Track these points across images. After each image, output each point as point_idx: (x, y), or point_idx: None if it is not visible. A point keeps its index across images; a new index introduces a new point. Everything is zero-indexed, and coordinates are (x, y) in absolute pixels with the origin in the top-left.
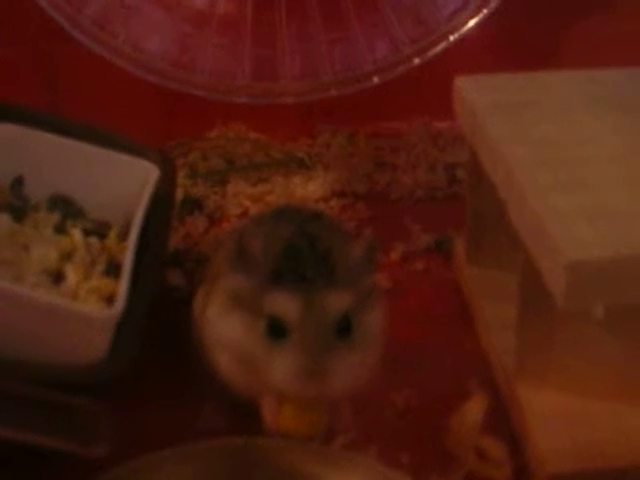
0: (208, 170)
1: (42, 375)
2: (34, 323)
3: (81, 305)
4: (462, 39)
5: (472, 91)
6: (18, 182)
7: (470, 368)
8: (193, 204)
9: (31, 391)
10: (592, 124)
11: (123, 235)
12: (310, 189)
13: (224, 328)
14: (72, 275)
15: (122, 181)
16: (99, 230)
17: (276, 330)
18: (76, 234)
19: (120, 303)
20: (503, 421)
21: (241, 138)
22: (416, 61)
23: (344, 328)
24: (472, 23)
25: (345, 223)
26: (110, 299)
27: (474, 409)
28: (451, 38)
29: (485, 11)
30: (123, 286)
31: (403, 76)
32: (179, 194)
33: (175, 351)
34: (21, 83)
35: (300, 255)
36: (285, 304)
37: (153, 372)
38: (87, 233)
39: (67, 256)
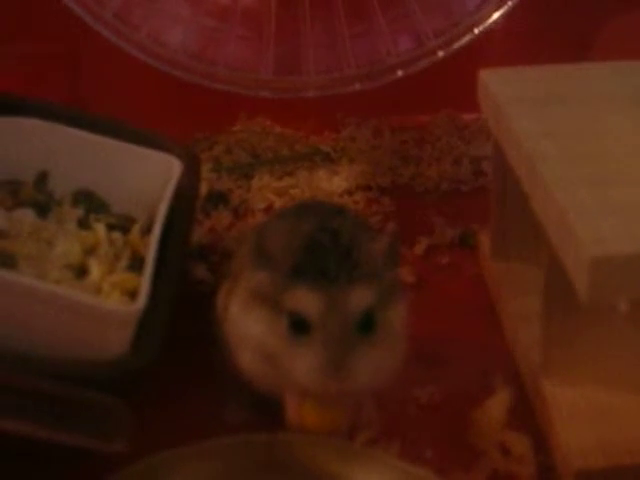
0: (233, 164)
1: (63, 370)
2: (55, 318)
3: (102, 300)
4: (491, 31)
5: (497, 84)
6: (42, 177)
7: (495, 363)
8: (218, 198)
9: (50, 387)
10: (618, 118)
11: (147, 230)
12: (335, 183)
13: (246, 325)
14: (96, 270)
15: (146, 176)
16: (123, 225)
17: (298, 326)
18: (99, 229)
19: (142, 298)
20: (529, 417)
21: (266, 132)
22: (440, 54)
23: (366, 324)
24: (496, 15)
25: (369, 217)
26: (133, 294)
27: (498, 405)
28: (475, 31)
29: (510, 3)
30: (145, 281)
31: (429, 68)
32: (204, 188)
33: (199, 347)
34: (46, 78)
35: (322, 251)
36: (306, 300)
37: (176, 368)
38: (111, 228)
39: (90, 251)
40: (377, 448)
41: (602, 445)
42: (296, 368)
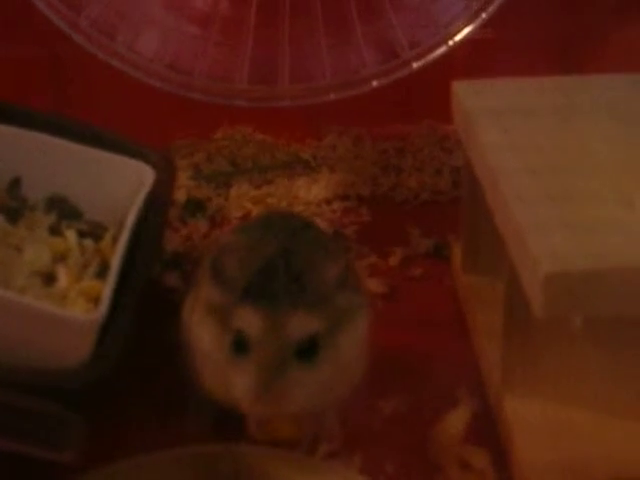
0: (212, 172)
1: (20, 378)
2: (13, 325)
3: (59, 308)
4: (475, 41)
5: (468, 96)
6: (15, 183)
7: (462, 377)
8: (195, 206)
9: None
10: (587, 132)
11: (119, 237)
12: (313, 192)
13: (199, 337)
14: (63, 277)
15: (117, 183)
16: (94, 232)
17: (240, 345)
18: (70, 236)
19: (103, 306)
20: (491, 432)
21: (247, 139)
22: (415, 65)
23: (307, 350)
24: (470, 28)
25: (345, 227)
26: (99, 301)
27: (457, 419)
28: (450, 43)
29: (484, 15)
30: (107, 289)
31: (412, 79)
32: (182, 195)
33: (165, 355)
34: (29, 83)
35: (272, 273)
36: (249, 319)
37: (139, 376)
38: (82, 235)
39: (60, 258)
40: (338, 461)
41: (559, 462)
42: (233, 385)
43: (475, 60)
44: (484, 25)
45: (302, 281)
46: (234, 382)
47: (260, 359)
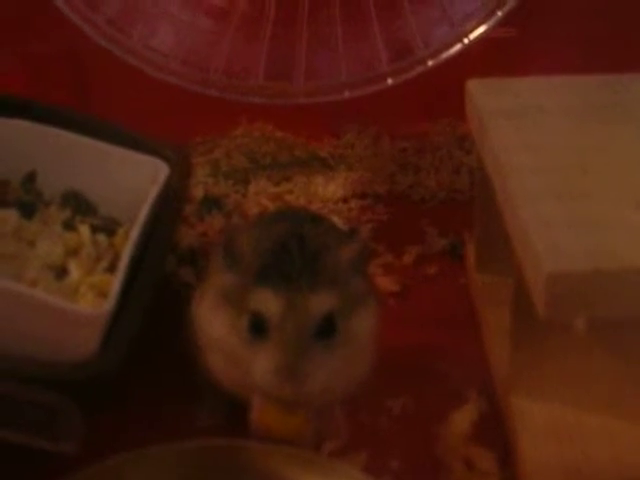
0: (231, 168)
1: (28, 370)
2: (22, 318)
3: (67, 301)
4: (495, 40)
5: (481, 95)
6: (30, 178)
7: (472, 376)
8: (212, 202)
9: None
10: (600, 133)
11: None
12: (330, 189)
13: (212, 325)
14: (75, 271)
15: (132, 179)
16: (108, 227)
17: (257, 328)
18: (84, 230)
19: (111, 300)
20: (497, 432)
21: (266, 137)
22: (430, 63)
23: (326, 330)
24: (486, 26)
25: (361, 225)
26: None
27: (463, 418)
28: (465, 41)
29: (500, 14)
30: (115, 284)
31: (431, 76)
32: (200, 192)
33: (176, 350)
34: (48, 79)
35: (287, 254)
36: (267, 301)
37: (152, 370)
38: (96, 230)
39: (73, 252)
40: (343, 459)
41: (563, 464)
42: (253, 369)
43: (497, 59)
44: (506, 23)
45: (317, 262)
46: (253, 366)
47: (282, 341)
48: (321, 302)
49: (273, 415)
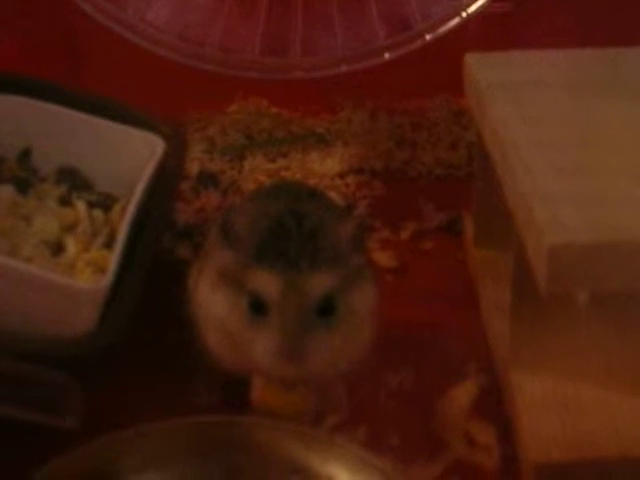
0: (226, 145)
1: (26, 346)
2: (19, 294)
3: (64, 277)
4: (493, 14)
5: (479, 69)
6: (25, 154)
7: (470, 352)
8: (208, 178)
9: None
10: (599, 106)
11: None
12: (327, 165)
13: (211, 304)
14: (72, 246)
15: (128, 154)
16: (104, 203)
17: (257, 307)
18: (80, 206)
19: (109, 276)
20: (497, 407)
21: (261, 113)
22: (427, 37)
23: (326, 309)
24: (484, 0)
25: (358, 200)
26: (106, 271)
27: (463, 394)
28: (464, 15)
29: None
30: (114, 259)
31: (428, 52)
32: (195, 168)
33: (173, 326)
34: (43, 55)
35: (286, 233)
36: (266, 282)
37: (148, 345)
38: (92, 205)
39: (69, 228)
40: (342, 434)
41: (564, 438)
42: (254, 349)
43: (494, 33)
44: None
45: (316, 240)
46: (254, 345)
47: (283, 320)
48: (321, 281)
49: (274, 394)
